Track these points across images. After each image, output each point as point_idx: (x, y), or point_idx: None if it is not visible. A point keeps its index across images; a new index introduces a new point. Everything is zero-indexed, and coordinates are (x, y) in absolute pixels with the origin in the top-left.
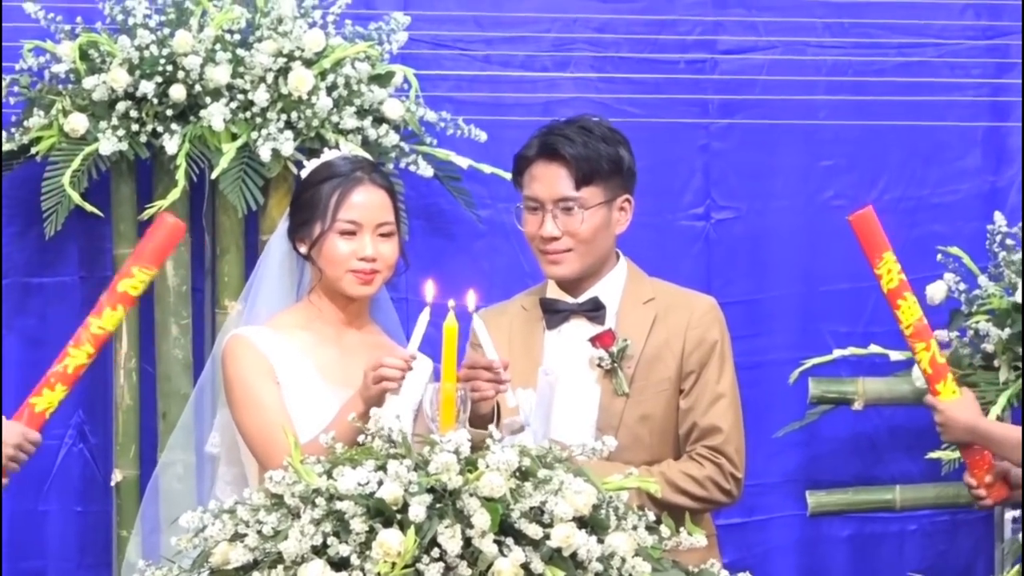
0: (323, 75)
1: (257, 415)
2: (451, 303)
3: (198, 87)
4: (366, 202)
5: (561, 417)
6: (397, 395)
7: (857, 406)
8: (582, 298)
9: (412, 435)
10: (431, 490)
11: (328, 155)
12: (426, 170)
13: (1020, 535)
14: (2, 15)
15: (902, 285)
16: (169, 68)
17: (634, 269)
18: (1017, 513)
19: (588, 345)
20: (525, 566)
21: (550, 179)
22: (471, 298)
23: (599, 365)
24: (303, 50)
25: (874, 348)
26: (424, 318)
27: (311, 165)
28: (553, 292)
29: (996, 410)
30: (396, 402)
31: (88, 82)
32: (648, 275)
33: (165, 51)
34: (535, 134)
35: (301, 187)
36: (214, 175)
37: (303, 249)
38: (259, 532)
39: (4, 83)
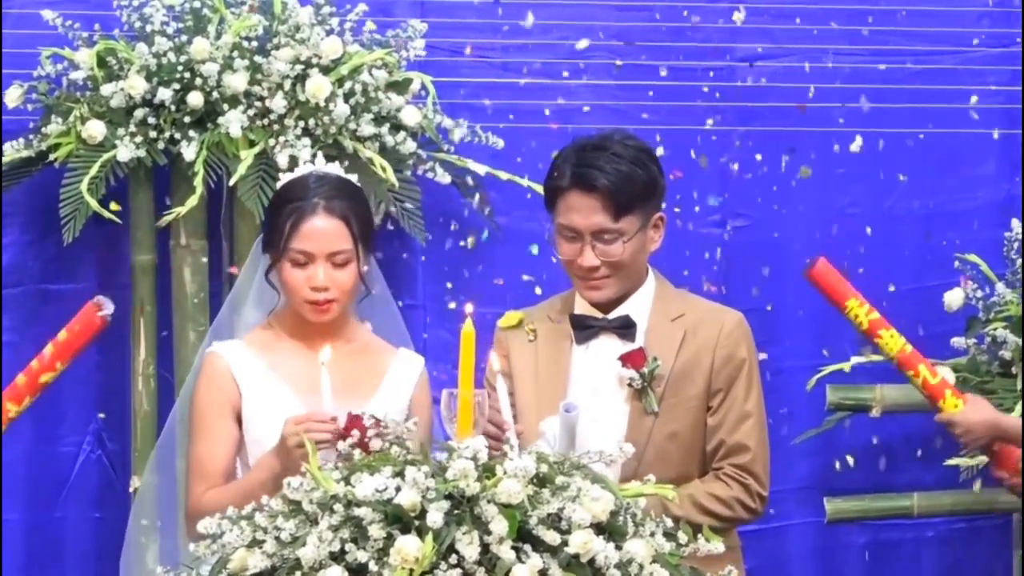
0: (340, 82)
1: (200, 449)
2: (468, 309)
3: (216, 94)
4: (317, 232)
5: (589, 435)
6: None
7: (875, 413)
8: (612, 315)
9: (404, 432)
10: (449, 496)
11: (301, 170)
12: (443, 177)
13: None
14: (1, 28)
15: (874, 324)
16: (187, 75)
17: (662, 283)
18: None
19: (617, 363)
20: (543, 572)
21: (587, 211)
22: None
23: (629, 385)
24: (320, 57)
25: None
26: (326, 377)
27: (283, 180)
28: (582, 307)
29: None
30: (385, 401)
31: (106, 89)
32: (674, 286)
33: (183, 58)
34: (563, 157)
35: (269, 204)
36: (232, 182)
37: (265, 266)
38: (277, 538)
39: (22, 90)
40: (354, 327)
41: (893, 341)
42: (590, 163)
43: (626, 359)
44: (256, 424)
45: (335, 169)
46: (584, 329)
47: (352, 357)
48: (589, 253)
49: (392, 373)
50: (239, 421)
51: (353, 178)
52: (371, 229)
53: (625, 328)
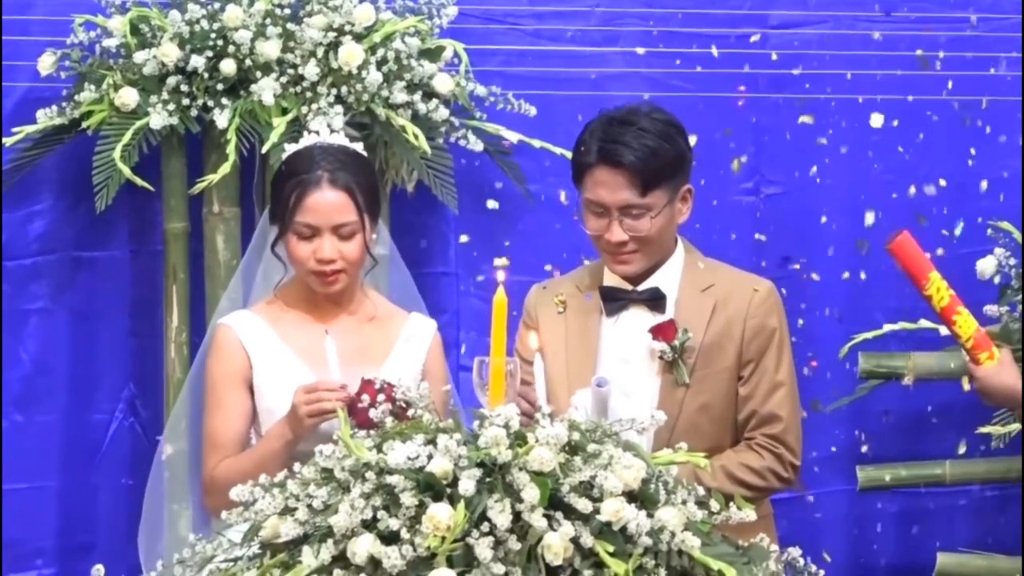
0: (373, 49)
1: (213, 420)
2: (500, 277)
3: (248, 61)
4: (322, 205)
5: (621, 409)
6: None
7: (907, 381)
8: (642, 287)
9: (418, 397)
10: (481, 464)
11: (306, 140)
12: (476, 144)
13: None
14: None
15: (953, 301)
16: (219, 42)
17: (691, 252)
18: None
19: (647, 335)
20: (575, 540)
21: (614, 186)
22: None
23: (660, 357)
24: (353, 24)
25: (924, 323)
26: (331, 347)
27: (289, 150)
28: (611, 279)
29: None
30: (397, 367)
31: (139, 56)
32: (703, 254)
33: (215, 25)
34: (590, 131)
35: (275, 176)
36: (264, 149)
37: (272, 237)
38: (309, 506)
39: (55, 58)
40: (363, 296)
41: (970, 320)
42: (616, 138)
43: (657, 331)
44: (267, 393)
45: (340, 139)
46: (614, 301)
47: (362, 326)
48: (617, 228)
49: (404, 338)
50: (251, 391)
51: (359, 147)
52: (377, 199)
53: (655, 300)
